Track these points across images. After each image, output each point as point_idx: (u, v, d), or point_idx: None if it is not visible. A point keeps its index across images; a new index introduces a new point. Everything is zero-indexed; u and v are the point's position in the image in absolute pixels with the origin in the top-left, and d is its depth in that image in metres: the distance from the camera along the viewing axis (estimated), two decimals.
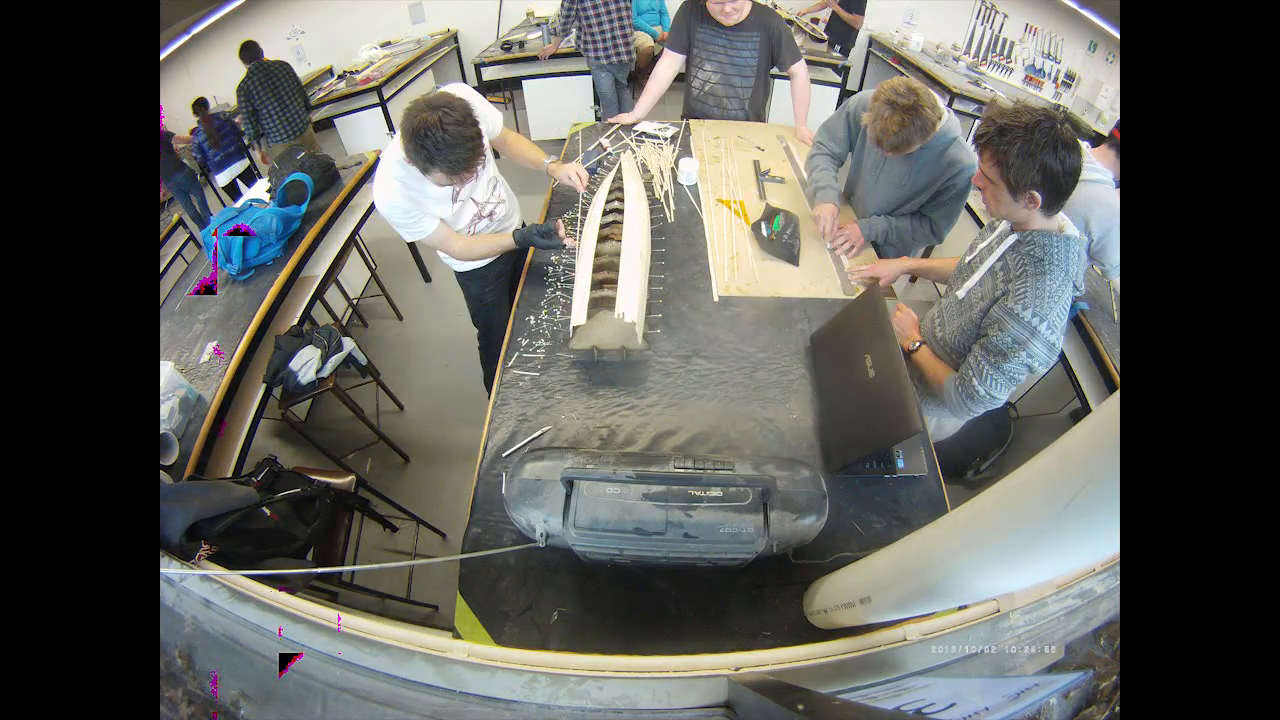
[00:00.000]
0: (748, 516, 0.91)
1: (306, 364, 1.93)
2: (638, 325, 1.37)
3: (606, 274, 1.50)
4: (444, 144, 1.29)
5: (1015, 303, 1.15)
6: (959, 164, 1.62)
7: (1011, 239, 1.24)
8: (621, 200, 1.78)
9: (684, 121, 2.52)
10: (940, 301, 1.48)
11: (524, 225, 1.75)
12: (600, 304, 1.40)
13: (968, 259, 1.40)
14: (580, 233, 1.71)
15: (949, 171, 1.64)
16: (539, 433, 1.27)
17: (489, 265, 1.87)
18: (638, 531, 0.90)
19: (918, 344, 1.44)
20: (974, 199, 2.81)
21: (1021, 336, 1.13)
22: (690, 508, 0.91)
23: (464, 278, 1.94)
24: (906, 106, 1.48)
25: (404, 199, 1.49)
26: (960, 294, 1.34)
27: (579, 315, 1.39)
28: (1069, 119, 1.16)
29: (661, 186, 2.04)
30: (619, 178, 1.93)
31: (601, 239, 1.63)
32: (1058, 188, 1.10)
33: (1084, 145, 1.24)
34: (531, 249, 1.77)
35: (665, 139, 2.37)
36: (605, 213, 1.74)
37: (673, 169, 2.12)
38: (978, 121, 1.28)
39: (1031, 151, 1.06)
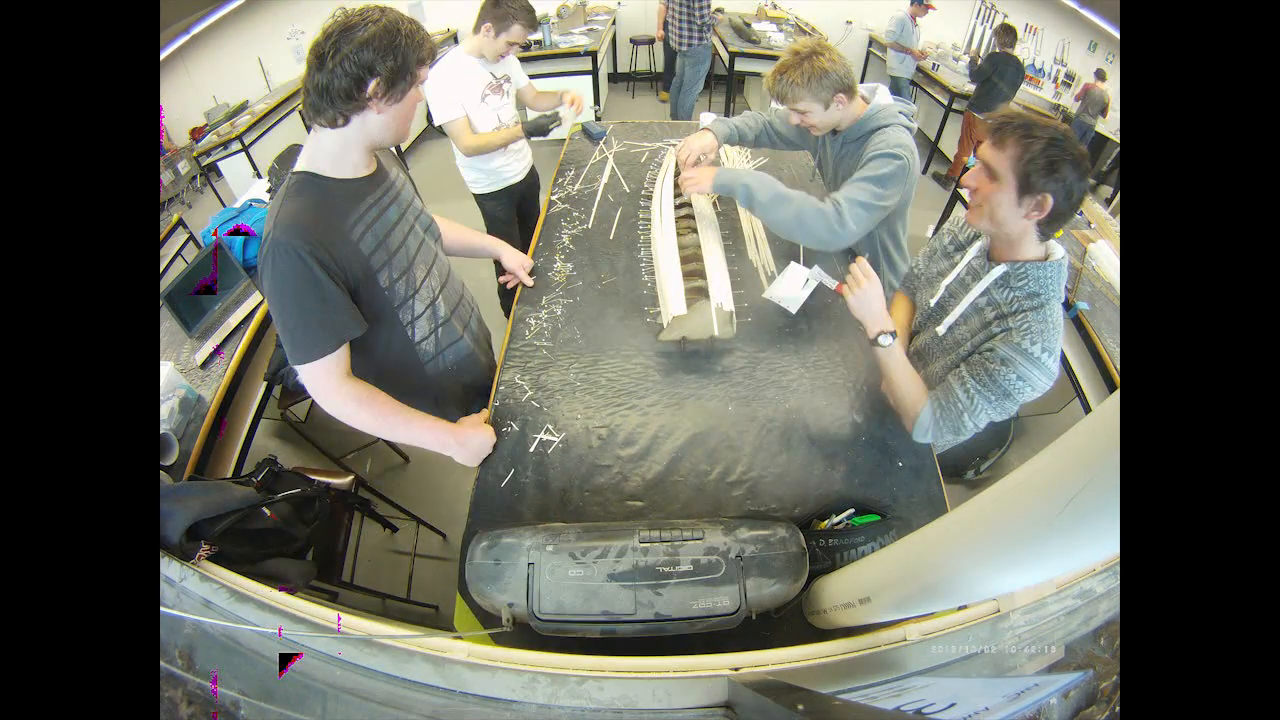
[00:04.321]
0: (722, 589, 0.87)
1: None
2: (734, 314, 1.40)
3: (694, 265, 1.53)
4: (524, 7, 2.02)
5: (1022, 338, 1.04)
6: (877, 146, 1.43)
7: (999, 272, 1.11)
8: (678, 194, 1.81)
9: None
10: (917, 337, 1.35)
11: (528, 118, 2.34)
12: (695, 295, 1.43)
13: (937, 294, 1.27)
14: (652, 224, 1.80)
15: (860, 160, 1.46)
16: (542, 431, 1.28)
17: (502, 189, 2.47)
18: (605, 614, 0.86)
19: (893, 335, 1.15)
20: None
21: (1028, 374, 1.04)
22: (659, 586, 0.87)
23: (481, 198, 2.51)
24: (802, 53, 1.41)
25: (448, 79, 2.09)
26: (940, 331, 1.22)
27: (678, 306, 1.40)
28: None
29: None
30: (678, 172, 1.93)
31: (680, 232, 1.67)
32: (1069, 203, 1.00)
33: None
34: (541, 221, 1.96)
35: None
36: (677, 207, 1.78)
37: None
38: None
39: (1058, 155, 0.96)
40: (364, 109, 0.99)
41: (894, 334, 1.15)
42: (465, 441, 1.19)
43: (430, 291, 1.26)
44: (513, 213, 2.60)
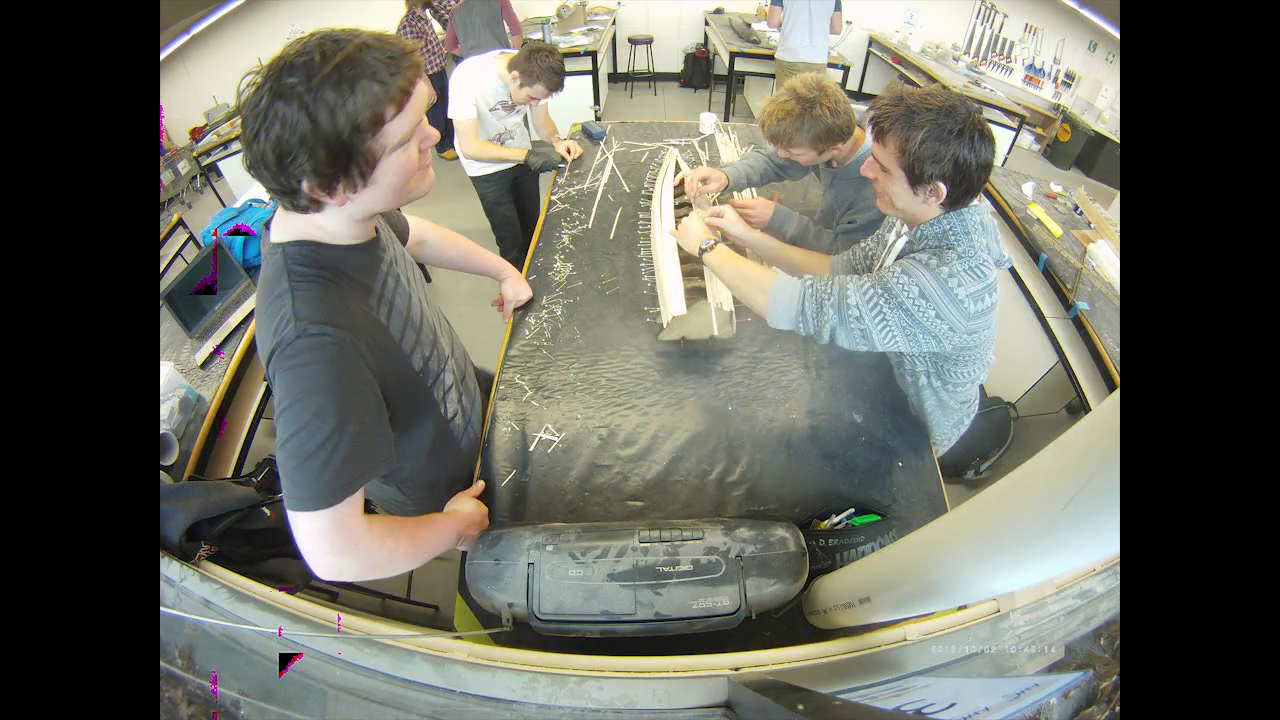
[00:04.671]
0: (722, 589, 0.87)
1: None
2: (734, 314, 1.40)
3: (693, 264, 1.53)
4: (553, 69, 2.09)
5: (928, 259, 0.99)
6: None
7: (902, 241, 1.09)
8: (679, 194, 1.81)
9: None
10: None
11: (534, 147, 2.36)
12: (694, 295, 1.43)
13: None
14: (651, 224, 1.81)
15: (861, 199, 1.48)
16: (542, 430, 1.28)
17: (494, 173, 2.56)
18: (605, 614, 0.86)
19: (711, 242, 1.21)
20: None
21: (931, 291, 0.96)
22: (659, 586, 0.87)
23: (476, 180, 2.60)
24: (803, 98, 1.36)
25: (471, 81, 2.21)
26: None
27: (677, 306, 1.41)
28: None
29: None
30: (678, 170, 1.95)
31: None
32: (968, 181, 0.97)
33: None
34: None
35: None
36: (677, 206, 1.77)
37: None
38: (865, 107, 1.10)
39: (943, 138, 0.93)
40: (329, 202, 0.72)
41: (711, 241, 1.23)
42: (468, 530, 1.03)
43: (445, 352, 1.05)
44: (509, 195, 2.69)
